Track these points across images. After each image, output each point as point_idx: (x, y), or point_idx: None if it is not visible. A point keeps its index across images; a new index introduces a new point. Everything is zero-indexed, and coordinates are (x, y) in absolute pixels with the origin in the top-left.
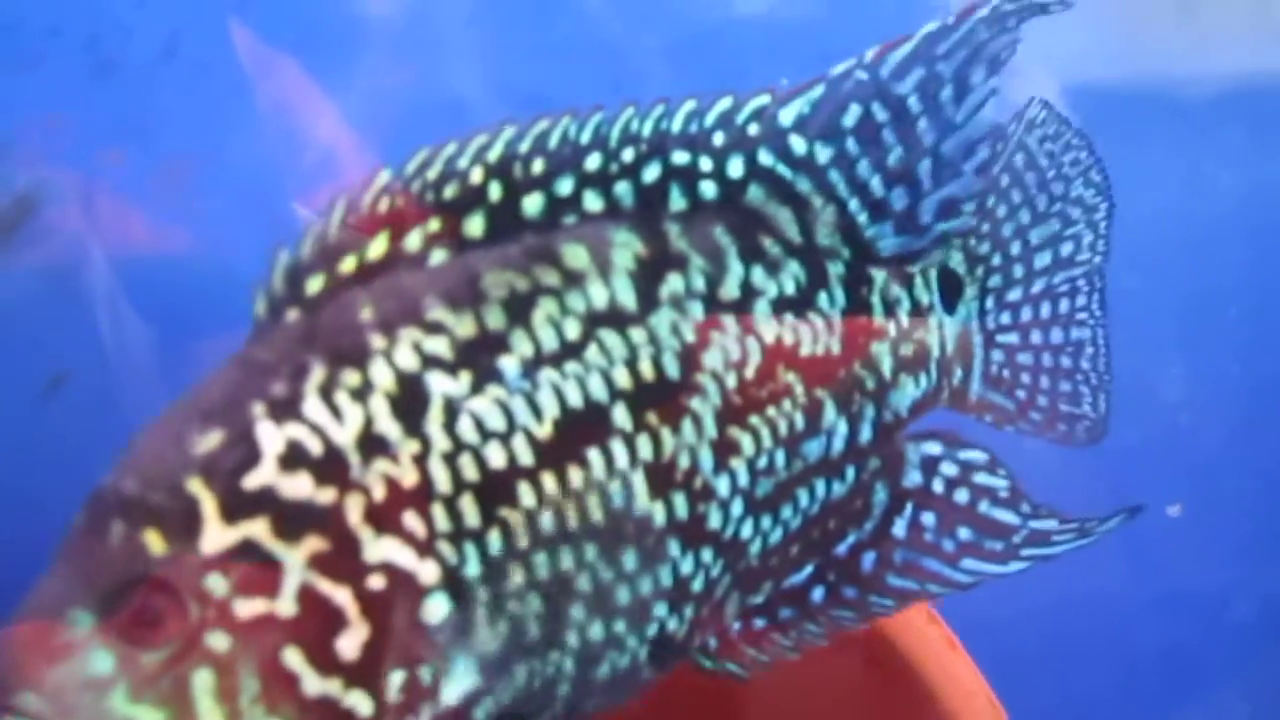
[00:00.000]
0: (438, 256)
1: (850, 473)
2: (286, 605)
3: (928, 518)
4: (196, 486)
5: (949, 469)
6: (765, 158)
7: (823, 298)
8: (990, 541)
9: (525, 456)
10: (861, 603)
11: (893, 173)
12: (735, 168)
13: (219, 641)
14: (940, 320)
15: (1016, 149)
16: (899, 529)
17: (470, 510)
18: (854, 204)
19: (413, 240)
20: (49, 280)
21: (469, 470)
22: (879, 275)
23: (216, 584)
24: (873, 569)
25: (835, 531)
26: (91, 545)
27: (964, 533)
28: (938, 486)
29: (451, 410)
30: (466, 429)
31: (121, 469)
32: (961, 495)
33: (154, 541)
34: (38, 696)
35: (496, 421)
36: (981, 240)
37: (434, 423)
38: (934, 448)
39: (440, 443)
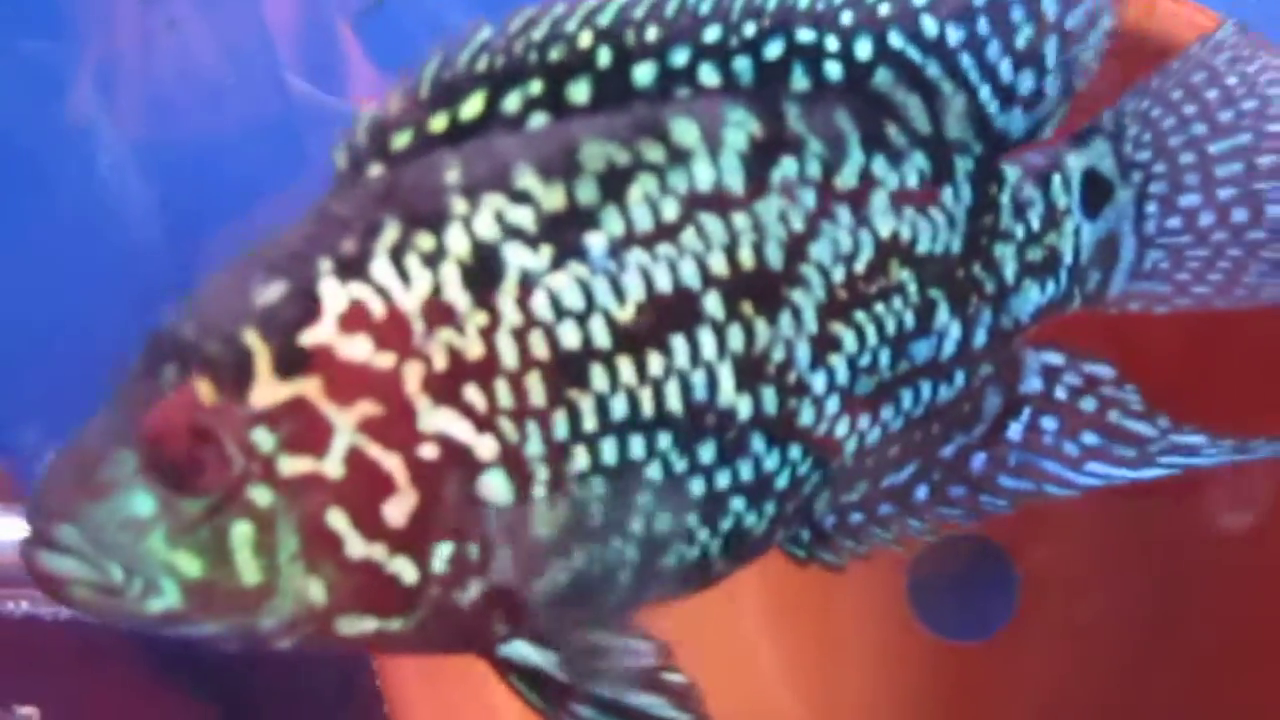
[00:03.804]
0: (537, 121)
1: (960, 376)
2: (334, 466)
3: (1048, 422)
4: (252, 338)
5: (1072, 379)
6: (895, 39)
7: (947, 193)
8: (1121, 448)
9: (601, 338)
10: (970, 501)
11: (1021, 55)
12: (863, 49)
13: (261, 496)
14: (1078, 225)
15: (1195, 68)
16: (1014, 432)
17: (536, 388)
18: (985, 91)
19: (511, 102)
20: None
21: (538, 348)
22: (1012, 173)
23: (263, 438)
24: (983, 469)
25: (940, 435)
26: (143, 387)
27: (1090, 438)
28: (1060, 394)
29: (527, 284)
30: (540, 305)
31: (184, 312)
32: (1088, 404)
33: (204, 390)
34: (77, 530)
35: (574, 300)
36: (1140, 147)
37: (506, 296)
38: (1055, 358)
39: (511, 317)
